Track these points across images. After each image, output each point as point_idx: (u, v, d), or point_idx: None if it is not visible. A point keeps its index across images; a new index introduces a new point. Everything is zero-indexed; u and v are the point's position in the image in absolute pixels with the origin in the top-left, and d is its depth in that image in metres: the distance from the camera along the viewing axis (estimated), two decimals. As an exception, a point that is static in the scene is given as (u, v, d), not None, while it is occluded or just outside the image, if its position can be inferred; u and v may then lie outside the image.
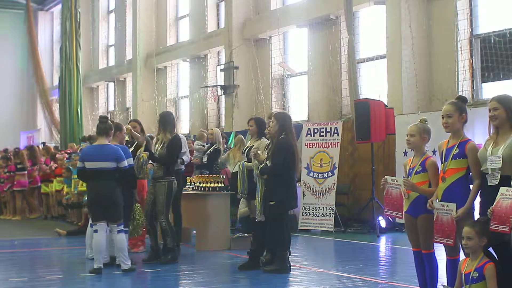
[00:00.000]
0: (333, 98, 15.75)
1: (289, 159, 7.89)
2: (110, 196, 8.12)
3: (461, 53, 12.73)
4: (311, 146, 13.10)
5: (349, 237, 11.85)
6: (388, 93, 13.76)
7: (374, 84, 14.78)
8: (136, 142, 9.53)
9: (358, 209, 12.99)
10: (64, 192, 15.17)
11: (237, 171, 10.93)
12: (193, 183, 10.45)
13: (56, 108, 29.19)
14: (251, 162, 8.38)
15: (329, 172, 12.76)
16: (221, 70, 19.12)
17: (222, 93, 18.90)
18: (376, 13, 14.80)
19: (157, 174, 8.84)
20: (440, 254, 5.76)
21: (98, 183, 8.13)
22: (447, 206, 5.39)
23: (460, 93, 12.29)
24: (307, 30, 16.71)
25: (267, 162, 7.97)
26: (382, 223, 12.39)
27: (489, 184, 5.16)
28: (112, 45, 28.11)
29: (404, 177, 5.85)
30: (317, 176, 12.89)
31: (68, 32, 25.44)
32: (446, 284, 5.56)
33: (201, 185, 10.22)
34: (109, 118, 9.23)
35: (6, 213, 17.54)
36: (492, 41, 12.23)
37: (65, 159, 15.95)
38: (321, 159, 12.89)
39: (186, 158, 9.73)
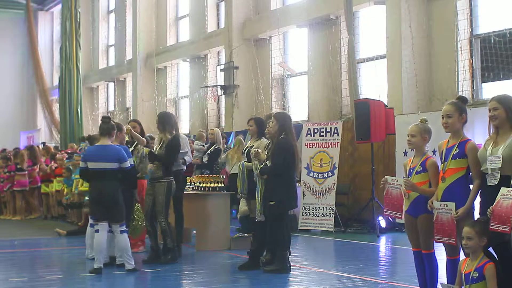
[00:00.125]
0: (333, 98, 15.75)
1: (289, 159, 7.89)
2: (112, 196, 8.14)
3: (461, 53, 12.73)
4: (311, 146, 13.10)
5: (349, 237, 11.84)
6: (388, 93, 13.76)
7: (374, 84, 14.78)
8: (136, 143, 9.53)
9: (358, 209, 12.99)
10: (64, 192, 15.17)
11: (235, 172, 11.03)
12: (193, 183, 10.45)
13: (56, 108, 29.22)
14: (251, 162, 8.37)
15: (329, 172, 12.76)
16: (221, 70, 19.12)
17: (222, 93, 18.90)
18: (376, 13, 14.81)
19: (156, 174, 8.84)
20: (440, 254, 5.76)
21: (101, 183, 8.14)
22: (446, 205, 5.40)
23: (460, 93, 12.29)
24: (307, 30, 16.71)
25: (267, 162, 7.97)
26: (382, 223, 12.39)
27: (488, 184, 5.16)
28: (112, 45, 28.12)
29: (404, 177, 5.85)
30: (317, 176, 12.89)
31: (68, 32, 25.46)
32: (445, 283, 5.56)
33: (201, 185, 10.22)
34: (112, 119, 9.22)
35: (6, 213, 17.53)
36: (492, 41, 12.23)
37: (64, 159, 15.95)
38: (321, 159, 12.89)
39: (188, 158, 9.71)
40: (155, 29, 23.70)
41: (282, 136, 7.93)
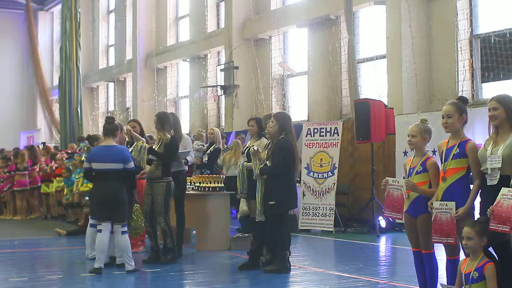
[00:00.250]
0: (333, 98, 15.75)
1: (289, 159, 7.89)
2: (116, 196, 8.16)
3: (461, 53, 12.73)
4: (311, 146, 13.10)
5: (349, 237, 11.84)
6: (388, 93, 13.76)
7: (374, 84, 14.78)
8: (136, 143, 9.52)
9: (358, 209, 12.98)
10: (64, 192, 15.16)
11: (232, 175, 11.05)
12: (193, 183, 10.45)
13: (56, 108, 29.23)
14: (251, 162, 8.37)
15: (329, 172, 12.76)
16: (221, 70, 19.13)
17: (222, 93, 18.91)
18: (376, 13, 14.81)
19: (155, 175, 8.82)
20: (440, 254, 5.76)
21: (105, 184, 8.15)
22: (446, 205, 5.40)
23: (460, 93, 12.30)
24: (307, 30, 16.71)
25: (267, 162, 7.97)
26: (382, 223, 12.39)
27: (488, 184, 5.16)
28: (112, 45, 28.13)
29: (404, 177, 5.85)
30: (317, 176, 12.88)
31: (68, 32, 25.45)
32: (445, 283, 5.56)
33: (201, 185, 10.22)
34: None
35: (6, 213, 17.53)
36: (492, 41, 12.24)
37: (64, 159, 15.95)
38: (321, 159, 12.89)
39: (190, 158, 9.70)
40: (155, 29, 23.71)
41: (282, 136, 7.93)
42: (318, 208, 12.72)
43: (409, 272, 7.37)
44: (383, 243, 11.36)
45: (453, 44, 12.87)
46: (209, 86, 19.85)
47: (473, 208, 5.41)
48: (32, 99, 33.22)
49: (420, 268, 5.82)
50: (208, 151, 12.50)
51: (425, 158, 5.73)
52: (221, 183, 10.30)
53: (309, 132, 13.17)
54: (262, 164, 8.04)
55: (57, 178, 15.96)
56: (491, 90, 12.20)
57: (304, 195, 12.83)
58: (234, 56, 18.28)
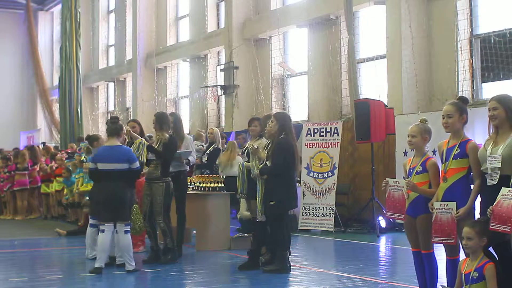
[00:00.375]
0: (333, 98, 15.75)
1: (289, 159, 7.89)
2: (122, 196, 8.19)
3: (461, 53, 12.73)
4: (311, 146, 13.10)
5: (349, 237, 11.84)
6: (388, 93, 13.76)
7: (374, 84, 14.78)
8: (134, 142, 9.51)
9: (358, 209, 12.98)
10: (64, 192, 15.16)
11: (227, 176, 11.06)
12: (193, 183, 10.44)
13: (56, 108, 29.23)
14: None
15: (329, 172, 12.76)
16: (221, 70, 19.12)
17: (222, 93, 18.90)
18: (376, 13, 14.81)
19: (154, 175, 8.82)
20: (440, 254, 5.76)
21: (111, 184, 8.16)
22: (447, 205, 5.40)
23: (460, 93, 12.30)
24: (307, 30, 16.71)
25: (267, 162, 7.97)
26: (382, 223, 12.39)
27: (488, 183, 5.16)
28: (112, 45, 28.13)
29: (404, 177, 5.85)
30: (317, 176, 12.89)
31: (68, 32, 25.46)
32: (445, 285, 5.56)
33: (201, 185, 10.22)
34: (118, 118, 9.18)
35: (6, 213, 17.53)
36: (492, 41, 12.23)
37: (64, 159, 15.95)
38: (321, 159, 12.89)
39: (192, 158, 9.69)
40: (155, 29, 23.71)
41: (282, 136, 7.93)
42: (318, 208, 12.72)
43: (409, 272, 7.37)
44: (383, 243, 11.36)
45: (453, 44, 12.87)
46: (209, 86, 19.85)
47: (473, 208, 5.41)
48: (32, 99, 33.22)
49: (420, 268, 5.82)
50: (208, 151, 12.49)
51: (425, 158, 5.73)
52: (221, 183, 10.30)
53: (309, 132, 13.17)
54: (261, 164, 8.04)
55: (57, 178, 15.97)
56: (491, 90, 12.20)
57: (304, 195, 12.83)
58: (234, 56, 18.28)
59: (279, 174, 7.86)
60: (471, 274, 5.13)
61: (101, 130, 25.32)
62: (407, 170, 5.82)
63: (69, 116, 25.24)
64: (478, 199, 5.38)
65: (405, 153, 11.76)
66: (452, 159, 5.44)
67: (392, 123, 12.31)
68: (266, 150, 8.11)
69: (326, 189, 12.72)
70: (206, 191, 10.17)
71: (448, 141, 5.57)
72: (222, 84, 18.76)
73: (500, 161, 5.07)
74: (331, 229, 12.41)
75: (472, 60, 12.73)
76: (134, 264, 8.19)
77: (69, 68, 25.35)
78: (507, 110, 5.18)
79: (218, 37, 19.73)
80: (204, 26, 20.83)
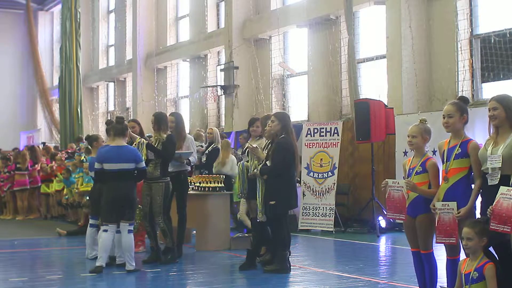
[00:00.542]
0: (333, 98, 15.75)
1: (289, 159, 7.89)
2: (128, 196, 8.22)
3: (461, 53, 12.73)
4: (311, 146, 13.10)
5: (349, 237, 11.84)
6: (388, 93, 13.76)
7: (374, 84, 14.77)
8: (134, 143, 9.51)
9: (358, 209, 12.99)
10: (64, 192, 15.16)
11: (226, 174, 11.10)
12: (193, 183, 10.44)
13: (56, 108, 29.22)
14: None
15: (329, 172, 12.76)
16: (221, 70, 19.11)
17: (222, 93, 18.90)
18: (376, 13, 14.80)
19: (153, 175, 8.82)
20: (440, 254, 5.76)
21: (118, 184, 8.17)
22: (448, 205, 5.40)
23: (460, 93, 12.30)
24: (307, 30, 16.71)
25: (267, 162, 7.97)
26: (382, 223, 12.39)
27: (489, 183, 5.17)
28: (112, 45, 28.12)
29: (404, 177, 5.85)
30: (317, 176, 12.89)
31: (68, 32, 25.47)
32: (445, 285, 5.55)
33: (201, 185, 10.22)
34: (110, 119, 9.20)
35: (6, 213, 17.52)
36: (492, 41, 12.23)
37: (63, 159, 15.94)
38: (321, 159, 12.89)
39: (193, 159, 9.68)
40: (155, 29, 23.70)
41: (283, 136, 7.93)
42: (318, 208, 12.72)
43: (409, 272, 7.36)
44: (383, 243, 11.36)
45: (453, 44, 12.87)
46: (209, 86, 19.84)
47: (474, 208, 5.41)
48: (32, 99, 33.21)
49: (419, 268, 5.82)
50: (207, 151, 12.49)
51: (425, 158, 5.73)
52: (221, 183, 10.30)
53: (309, 132, 13.17)
54: (261, 164, 8.04)
55: (56, 178, 15.97)
56: (491, 90, 12.20)
57: (304, 195, 12.83)
58: (234, 56, 18.28)
59: (279, 174, 7.86)
60: (471, 274, 5.13)
61: (101, 130, 25.32)
62: (407, 170, 5.82)
63: (69, 116, 25.26)
64: (479, 199, 5.38)
65: (405, 153, 11.76)
66: (454, 159, 5.44)
67: (392, 123, 12.32)
68: (266, 150, 8.11)
69: (326, 189, 12.72)
70: (206, 191, 10.17)
71: (449, 141, 5.57)
72: (222, 84, 18.75)
73: (501, 161, 5.07)
74: (331, 229, 12.41)
75: (472, 60, 12.72)
76: (134, 264, 8.19)
77: (69, 68, 25.36)
78: (507, 110, 5.18)
79: (218, 37, 19.73)
80: (204, 26, 20.83)
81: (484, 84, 12.61)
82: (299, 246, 10.80)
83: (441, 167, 5.62)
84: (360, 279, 7.64)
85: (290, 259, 8.13)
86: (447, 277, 5.58)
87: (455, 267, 5.41)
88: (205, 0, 20.74)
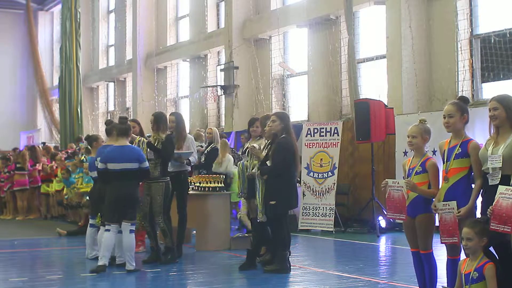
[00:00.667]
0: (333, 98, 15.75)
1: (290, 159, 7.89)
2: (132, 196, 8.24)
3: (461, 53, 12.73)
4: (311, 146, 13.10)
5: (349, 237, 11.84)
6: (388, 93, 13.76)
7: (374, 84, 14.77)
8: (134, 142, 9.51)
9: (358, 209, 12.99)
10: (64, 192, 15.16)
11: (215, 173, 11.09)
12: (193, 183, 10.44)
13: (56, 108, 29.22)
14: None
15: (329, 172, 12.76)
16: (221, 70, 19.12)
17: (222, 93, 18.90)
18: (376, 13, 14.80)
19: (153, 175, 8.82)
20: (440, 254, 5.75)
21: (122, 183, 8.18)
22: (449, 205, 5.40)
23: (460, 93, 12.30)
24: (307, 30, 16.71)
25: (267, 162, 7.97)
26: (382, 223, 12.39)
27: (490, 183, 5.17)
28: (112, 45, 28.12)
29: (404, 177, 5.85)
30: (317, 176, 12.89)
31: (68, 32, 25.47)
32: (446, 285, 5.55)
33: (201, 185, 10.22)
34: (110, 119, 9.21)
35: (6, 213, 17.52)
36: (492, 41, 12.23)
37: (63, 159, 15.93)
38: (321, 159, 12.89)
39: (193, 159, 9.69)
40: (155, 29, 23.70)
41: (283, 136, 7.93)
42: (318, 208, 12.72)
43: (409, 272, 7.36)
44: (383, 243, 11.36)
45: (453, 44, 12.87)
46: (209, 86, 19.84)
47: (475, 207, 5.41)
48: (32, 99, 33.21)
49: (419, 269, 5.82)
50: (206, 151, 12.48)
51: (425, 158, 5.73)
52: (221, 183, 10.30)
53: (309, 132, 13.17)
54: (260, 164, 8.04)
55: (56, 178, 15.96)
56: (491, 90, 12.20)
57: (304, 195, 12.83)
58: (234, 56, 18.28)
59: (280, 174, 7.86)
60: (471, 274, 5.13)
61: (101, 130, 25.30)
62: (407, 170, 5.82)
63: (69, 116, 25.26)
64: (479, 199, 5.38)
65: (405, 153, 11.76)
66: (454, 159, 5.44)
67: (392, 123, 12.32)
68: (265, 150, 8.11)
69: (326, 189, 12.72)
70: (206, 191, 10.16)
71: (449, 141, 5.57)
72: (222, 84, 18.75)
73: (501, 161, 5.08)
74: (331, 229, 12.41)
75: (472, 60, 12.72)
76: (134, 264, 8.19)
77: (69, 68, 25.36)
78: (507, 110, 5.18)
79: (218, 37, 19.73)
80: (204, 26, 20.83)
81: (484, 84, 12.61)
82: (299, 246, 10.80)
83: (441, 167, 5.62)
84: (360, 279, 7.64)
85: (290, 259, 8.13)
86: (447, 277, 5.58)
87: (455, 267, 5.41)
88: (205, 0, 20.74)
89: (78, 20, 25.40)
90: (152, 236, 8.99)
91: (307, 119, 16.36)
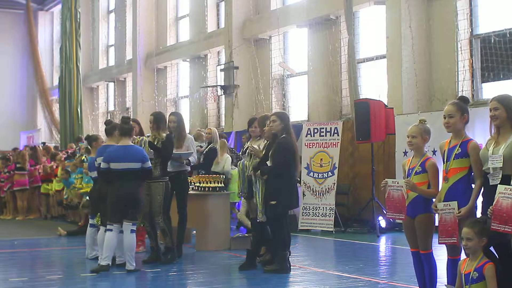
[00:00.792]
0: (333, 98, 15.75)
1: (290, 159, 7.89)
2: (135, 195, 8.24)
3: (461, 53, 12.73)
4: (311, 146, 13.10)
5: (349, 237, 11.84)
6: (388, 93, 13.76)
7: (374, 84, 14.78)
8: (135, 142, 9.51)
9: (358, 209, 12.99)
10: (64, 192, 15.16)
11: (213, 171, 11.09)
12: (193, 183, 10.44)
13: (56, 108, 29.22)
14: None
15: (329, 172, 12.76)
16: (221, 70, 19.11)
17: (222, 93, 18.90)
18: (376, 13, 14.80)
19: (153, 175, 8.81)
20: (440, 254, 5.75)
21: (125, 183, 8.18)
22: (449, 205, 5.40)
23: (460, 93, 12.30)
24: (307, 30, 16.71)
25: (268, 162, 7.97)
26: (382, 223, 12.39)
27: (490, 183, 5.17)
28: (112, 45, 28.12)
29: (403, 177, 5.85)
30: (317, 176, 12.89)
31: (68, 32, 25.47)
32: (447, 284, 5.55)
33: (201, 185, 10.22)
34: (109, 119, 9.21)
35: (6, 213, 17.52)
36: (492, 41, 12.23)
37: (62, 159, 15.93)
38: (321, 159, 12.89)
39: (192, 159, 9.68)
40: (155, 29, 23.70)
41: (283, 136, 7.93)
42: (318, 208, 12.72)
43: (409, 272, 7.36)
44: (383, 243, 11.36)
45: (453, 44, 12.87)
46: (209, 86, 19.84)
47: (475, 207, 5.41)
48: (32, 99, 33.21)
49: (419, 269, 5.82)
50: (204, 151, 12.47)
51: (425, 158, 5.73)
52: (221, 183, 10.30)
53: (309, 132, 13.17)
54: (258, 163, 8.04)
55: (56, 178, 15.96)
56: (491, 90, 12.20)
57: (304, 195, 12.83)
58: (234, 56, 18.28)
59: (280, 174, 7.86)
60: (471, 274, 5.13)
61: (101, 130, 25.28)
62: (406, 170, 5.82)
63: (69, 116, 25.25)
64: (480, 199, 5.38)
65: (405, 153, 11.76)
66: (454, 159, 5.44)
67: (392, 123, 12.32)
68: (265, 150, 8.10)
69: (326, 189, 12.72)
70: (206, 191, 10.16)
71: (450, 141, 5.57)
72: (222, 84, 18.75)
73: (502, 161, 5.08)
74: (331, 229, 12.41)
75: (472, 60, 12.72)
76: (134, 264, 8.19)
77: (69, 68, 25.36)
78: (508, 110, 5.18)
79: (218, 37, 19.73)
80: (204, 26, 20.83)
81: (484, 84, 12.61)
82: (299, 246, 10.80)
83: (441, 167, 5.62)
84: (360, 279, 7.64)
85: (290, 259, 8.12)
86: (447, 277, 5.58)
87: (455, 267, 5.41)
88: (205, 0, 20.74)
89: (78, 20, 25.39)
90: (152, 236, 8.99)
91: (307, 119, 16.36)
